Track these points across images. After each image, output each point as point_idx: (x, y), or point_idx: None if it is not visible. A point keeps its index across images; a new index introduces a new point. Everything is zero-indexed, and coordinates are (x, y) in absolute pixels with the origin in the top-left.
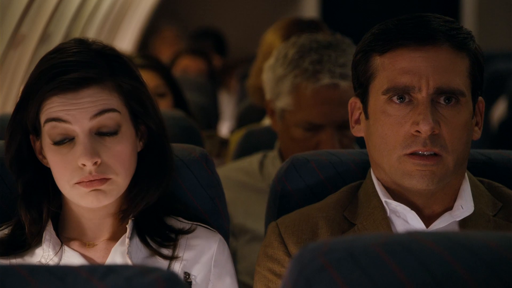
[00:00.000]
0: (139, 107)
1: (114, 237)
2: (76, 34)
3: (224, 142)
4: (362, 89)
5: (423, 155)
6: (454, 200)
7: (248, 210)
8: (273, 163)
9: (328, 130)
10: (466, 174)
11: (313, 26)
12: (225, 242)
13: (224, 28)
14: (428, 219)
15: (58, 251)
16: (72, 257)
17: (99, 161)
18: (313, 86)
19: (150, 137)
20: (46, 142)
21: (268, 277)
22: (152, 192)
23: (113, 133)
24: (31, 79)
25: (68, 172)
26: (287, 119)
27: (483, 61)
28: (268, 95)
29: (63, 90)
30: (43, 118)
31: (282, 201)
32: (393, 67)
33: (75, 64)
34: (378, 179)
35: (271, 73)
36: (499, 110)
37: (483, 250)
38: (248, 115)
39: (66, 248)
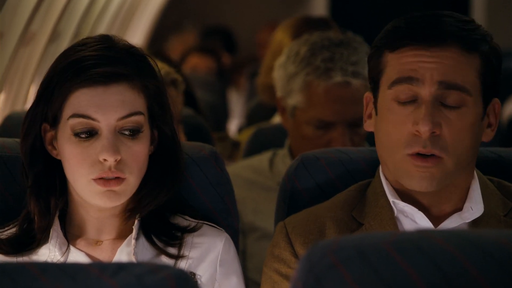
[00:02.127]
0: (159, 110)
1: (120, 237)
2: (86, 31)
3: (236, 144)
4: (373, 84)
5: (424, 156)
6: (464, 200)
7: (257, 208)
8: (283, 161)
9: (339, 128)
10: (475, 173)
11: (323, 24)
12: (231, 241)
13: (233, 26)
14: (437, 219)
15: (65, 252)
16: (78, 257)
17: (119, 158)
18: (325, 84)
19: (162, 141)
20: (66, 133)
21: (274, 278)
22: (162, 195)
23: (135, 134)
24: (56, 69)
25: (86, 165)
26: (298, 116)
27: (498, 62)
28: (279, 92)
29: (92, 83)
30: (69, 110)
31: (292, 199)
32: (400, 61)
33: (106, 59)
34: (386, 178)
35: (283, 71)
36: (509, 108)
37: (493, 248)
38: (257, 113)
39: (72, 247)
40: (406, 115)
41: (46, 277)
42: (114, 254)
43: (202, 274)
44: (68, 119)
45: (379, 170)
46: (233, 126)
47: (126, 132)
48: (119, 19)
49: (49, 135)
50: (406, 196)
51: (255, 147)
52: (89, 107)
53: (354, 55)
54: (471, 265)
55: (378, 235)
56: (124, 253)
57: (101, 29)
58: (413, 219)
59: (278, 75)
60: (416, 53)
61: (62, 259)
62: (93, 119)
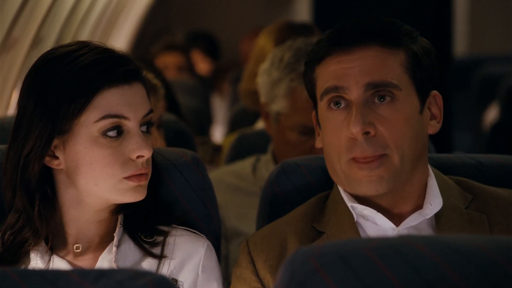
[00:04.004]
0: None
1: (103, 243)
2: (69, 37)
3: (217, 149)
4: (313, 101)
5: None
6: (423, 198)
7: (241, 213)
8: (267, 167)
9: None
10: (430, 170)
11: (305, 30)
12: (212, 247)
13: (216, 32)
14: (398, 219)
15: (48, 262)
16: (60, 265)
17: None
18: None
19: None
20: (91, 136)
21: None
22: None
23: (149, 129)
24: (58, 80)
25: (118, 165)
26: (282, 122)
27: (429, 58)
28: (263, 98)
29: (119, 82)
30: (96, 113)
31: (273, 206)
32: (325, 71)
33: (121, 59)
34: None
35: (267, 77)
36: (491, 113)
37: (474, 253)
38: (240, 119)
39: (54, 256)
40: (341, 121)
41: (27, 284)
42: (95, 262)
43: (184, 280)
44: (96, 121)
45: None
46: (216, 131)
47: (144, 129)
48: (102, 24)
49: (51, 145)
50: (364, 200)
51: (237, 153)
52: (121, 106)
53: None
54: (451, 270)
55: (359, 241)
56: (105, 261)
57: (84, 34)
58: (374, 221)
59: (262, 81)
60: (338, 60)
61: (44, 268)
62: (125, 117)
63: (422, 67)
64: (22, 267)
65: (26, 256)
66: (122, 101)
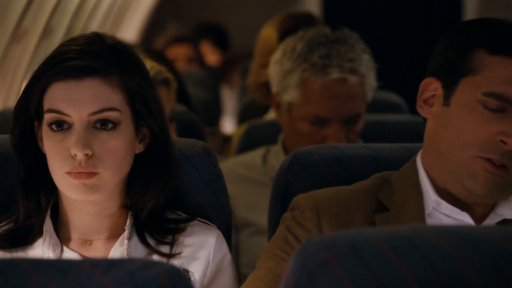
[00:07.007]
0: (142, 107)
1: (112, 236)
2: (79, 27)
3: (227, 139)
4: (450, 76)
5: (494, 164)
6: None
7: (251, 203)
8: (277, 157)
9: (335, 124)
10: None
11: (308, 20)
12: (223, 237)
13: (226, 23)
14: (478, 219)
15: (60, 254)
16: (71, 257)
17: (90, 153)
18: (322, 80)
19: (153, 139)
20: (45, 127)
21: (288, 238)
22: (155, 193)
23: (110, 128)
24: (39, 65)
25: (60, 159)
26: (294, 112)
27: None
28: (274, 88)
29: (65, 76)
30: (46, 104)
31: (285, 194)
32: (499, 74)
33: (82, 53)
34: (428, 173)
35: (278, 67)
36: None
37: (486, 244)
38: (250, 110)
39: (64, 248)
40: (492, 120)
41: (38, 274)
42: (107, 254)
43: (195, 270)
44: (44, 113)
45: (416, 163)
46: (226, 122)
47: (98, 125)
48: (112, 15)
49: (39, 132)
50: (447, 194)
51: (247, 144)
52: (61, 102)
53: (351, 52)
54: (464, 262)
55: (370, 232)
56: (117, 253)
57: (94, 25)
58: (454, 216)
59: (273, 71)
60: None
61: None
62: (64, 114)
63: None
64: (34, 251)
65: (38, 246)
66: (64, 97)
